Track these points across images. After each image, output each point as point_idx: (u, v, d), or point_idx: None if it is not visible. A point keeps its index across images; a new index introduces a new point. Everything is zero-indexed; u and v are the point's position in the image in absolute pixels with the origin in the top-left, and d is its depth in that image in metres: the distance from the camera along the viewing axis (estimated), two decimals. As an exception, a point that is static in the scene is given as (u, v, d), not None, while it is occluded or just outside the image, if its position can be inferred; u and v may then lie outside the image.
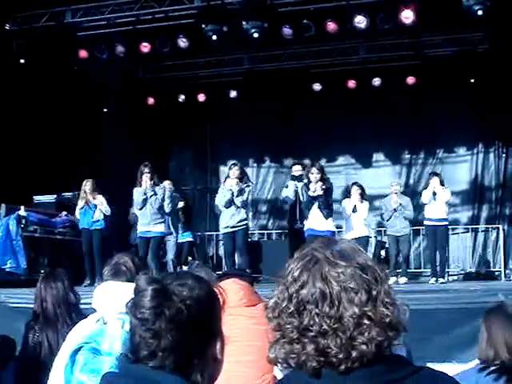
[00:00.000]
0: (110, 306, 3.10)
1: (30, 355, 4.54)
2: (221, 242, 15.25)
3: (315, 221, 10.02)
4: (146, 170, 10.25)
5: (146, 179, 10.22)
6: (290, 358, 1.49)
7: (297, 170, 11.12)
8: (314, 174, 9.98)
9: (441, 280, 10.86)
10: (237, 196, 10.18)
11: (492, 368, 3.17)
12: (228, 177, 10.56)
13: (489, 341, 3.27)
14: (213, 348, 1.73)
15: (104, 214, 11.00)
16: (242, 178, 10.43)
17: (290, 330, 1.49)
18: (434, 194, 11.01)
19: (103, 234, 11.06)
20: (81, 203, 11.06)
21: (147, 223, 10.26)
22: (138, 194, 10.30)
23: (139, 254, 10.25)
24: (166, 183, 11.65)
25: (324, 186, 9.94)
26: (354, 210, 11.06)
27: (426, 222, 11.46)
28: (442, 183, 11.15)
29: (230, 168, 10.59)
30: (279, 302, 1.52)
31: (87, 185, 11.05)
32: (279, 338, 1.52)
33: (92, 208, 10.98)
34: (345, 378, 1.45)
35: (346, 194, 11.60)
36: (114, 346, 2.85)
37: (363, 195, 11.23)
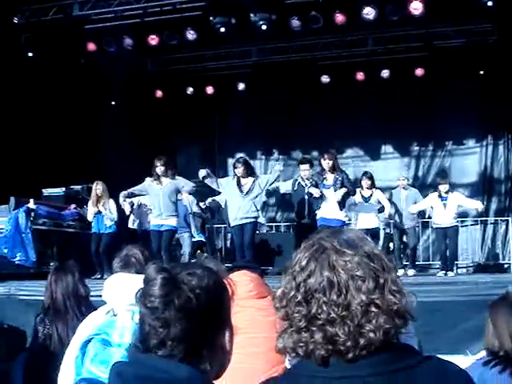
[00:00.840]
0: (120, 298, 3.11)
1: (40, 347, 4.56)
2: (229, 235, 15.32)
3: (328, 209, 9.97)
4: (159, 163, 10.17)
5: (158, 172, 10.14)
6: (299, 347, 1.50)
7: (304, 169, 10.88)
8: (327, 161, 9.92)
9: (450, 274, 10.84)
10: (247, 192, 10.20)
11: (496, 361, 3.17)
12: (235, 175, 10.42)
13: (494, 331, 3.26)
14: (222, 338, 1.73)
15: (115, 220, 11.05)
16: (248, 172, 10.34)
17: (298, 318, 1.50)
18: (444, 198, 10.91)
19: (113, 236, 11.05)
20: (92, 209, 11.03)
21: (159, 215, 10.22)
22: (149, 186, 10.23)
23: (152, 245, 10.26)
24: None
25: (339, 178, 9.92)
26: (367, 200, 11.08)
27: (434, 226, 11.38)
28: (448, 188, 11.00)
29: (234, 167, 10.47)
30: (287, 292, 1.53)
31: (98, 188, 11.00)
32: (287, 328, 1.53)
33: (103, 213, 10.99)
34: (352, 366, 1.45)
35: (358, 184, 11.50)
36: (124, 338, 2.86)
37: (373, 185, 11.25)
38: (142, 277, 2.55)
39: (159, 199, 10.22)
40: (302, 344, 1.49)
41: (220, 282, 1.75)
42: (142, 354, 1.66)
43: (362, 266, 1.48)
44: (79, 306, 4.56)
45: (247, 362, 3.43)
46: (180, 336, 1.64)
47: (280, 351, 1.56)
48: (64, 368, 3.19)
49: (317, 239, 1.55)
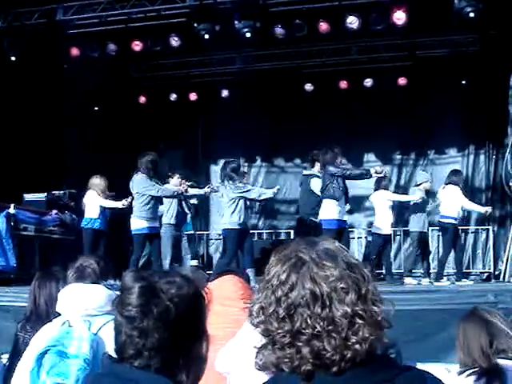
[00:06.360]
0: (75, 309, 3.08)
1: (21, 354, 4.51)
2: (211, 242, 15.41)
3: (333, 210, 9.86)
4: None
5: None
6: (283, 363, 1.46)
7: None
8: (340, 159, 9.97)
9: (458, 283, 10.70)
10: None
11: (471, 370, 3.16)
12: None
13: (465, 348, 3.26)
14: (199, 348, 1.70)
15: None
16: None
17: (281, 334, 1.46)
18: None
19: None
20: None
21: None
22: None
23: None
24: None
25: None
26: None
27: (444, 220, 11.15)
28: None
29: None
30: (266, 307, 1.49)
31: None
32: (267, 344, 1.49)
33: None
34: (338, 379, 1.44)
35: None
36: (82, 349, 2.83)
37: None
38: (97, 287, 2.55)
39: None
40: (286, 360, 1.45)
41: (198, 292, 1.73)
42: (118, 365, 1.63)
43: (344, 278, 1.45)
44: (61, 313, 4.52)
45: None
46: (157, 346, 1.61)
47: (261, 368, 1.51)
48: (17, 381, 3.10)
49: (293, 251, 1.51)
